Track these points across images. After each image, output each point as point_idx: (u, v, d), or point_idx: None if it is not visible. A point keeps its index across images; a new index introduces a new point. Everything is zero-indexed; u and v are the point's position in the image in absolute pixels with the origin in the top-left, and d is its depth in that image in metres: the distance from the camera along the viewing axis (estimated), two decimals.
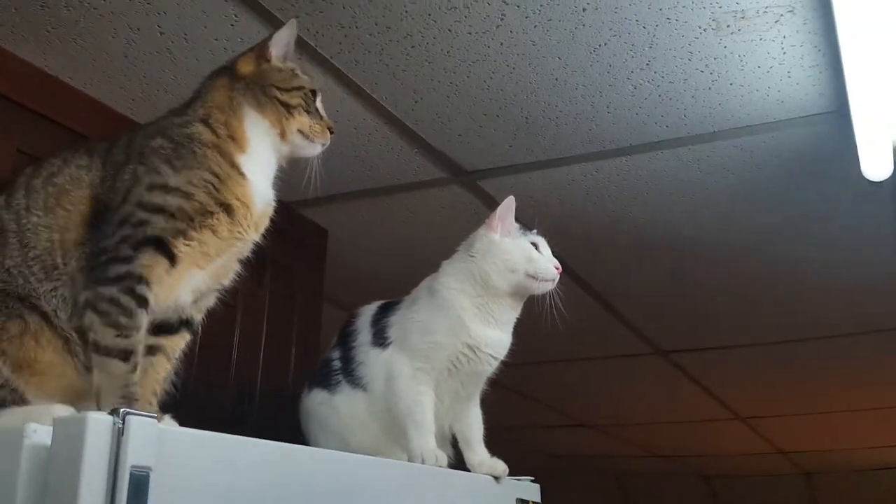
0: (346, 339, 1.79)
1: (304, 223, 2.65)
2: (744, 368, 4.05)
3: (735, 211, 2.51)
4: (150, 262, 1.22)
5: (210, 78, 1.40)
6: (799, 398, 4.65)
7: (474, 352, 1.65)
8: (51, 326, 1.21)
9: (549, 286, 1.69)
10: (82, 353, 1.21)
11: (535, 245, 1.71)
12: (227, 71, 1.39)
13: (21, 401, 1.18)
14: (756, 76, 1.90)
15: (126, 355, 1.20)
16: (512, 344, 1.72)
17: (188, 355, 2.17)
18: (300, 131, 1.39)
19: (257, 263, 2.42)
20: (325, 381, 1.77)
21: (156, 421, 0.95)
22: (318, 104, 1.44)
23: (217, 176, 1.27)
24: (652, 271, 2.94)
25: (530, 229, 1.76)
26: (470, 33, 1.76)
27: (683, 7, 1.67)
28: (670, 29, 1.73)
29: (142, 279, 1.22)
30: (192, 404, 2.20)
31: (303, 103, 1.39)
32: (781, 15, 1.70)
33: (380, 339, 1.71)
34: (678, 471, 6.98)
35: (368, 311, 1.79)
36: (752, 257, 2.82)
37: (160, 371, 1.33)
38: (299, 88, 1.40)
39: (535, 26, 1.73)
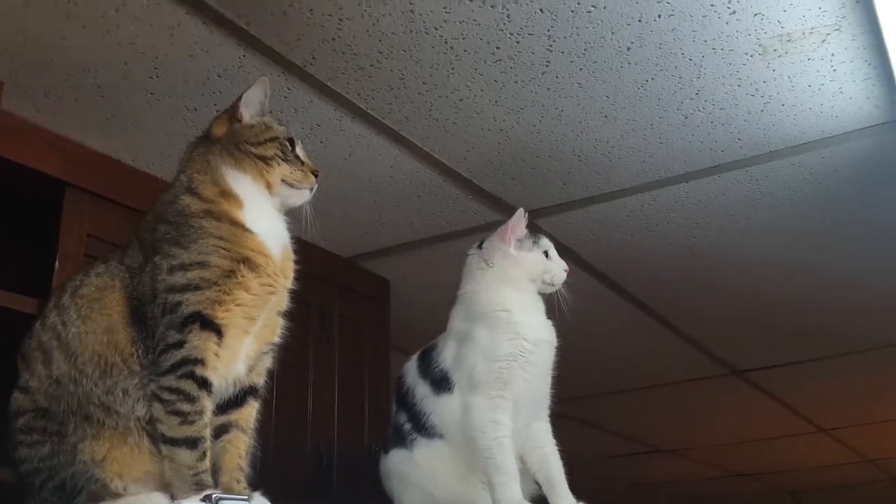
0: (405, 400, 1.80)
1: (365, 275, 2.69)
2: (821, 380, 3.94)
3: (796, 226, 2.47)
4: (200, 341, 1.25)
5: (188, 149, 1.43)
6: (882, 405, 4.50)
7: (535, 344, 1.69)
8: (113, 422, 1.23)
9: (559, 286, 1.80)
10: (148, 441, 1.23)
11: (545, 253, 1.78)
12: (204, 138, 1.41)
13: (108, 492, 1.21)
14: (807, 95, 1.88)
15: (193, 443, 1.22)
16: (562, 342, 1.76)
17: (264, 421, 2.22)
18: (283, 180, 1.39)
19: (324, 318, 2.50)
20: (400, 441, 1.78)
21: (247, 502, 0.96)
22: (299, 151, 1.44)
23: (221, 237, 1.29)
24: (718, 293, 2.90)
25: (537, 235, 1.81)
26: (516, 82, 1.78)
27: (728, 36, 1.67)
28: (716, 58, 1.73)
29: (198, 361, 1.24)
30: (272, 469, 2.23)
31: (279, 153, 1.39)
32: (828, 34, 1.68)
33: (442, 386, 1.72)
34: (763, 489, 6.78)
35: (411, 367, 1.82)
36: (819, 270, 2.76)
37: (240, 446, 1.35)
38: (273, 140, 1.40)
39: (581, 69, 1.74)
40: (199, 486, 1.20)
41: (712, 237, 2.51)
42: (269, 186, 1.38)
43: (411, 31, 1.62)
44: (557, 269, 1.78)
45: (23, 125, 1.87)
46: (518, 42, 1.66)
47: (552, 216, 2.37)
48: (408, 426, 1.76)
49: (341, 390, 2.50)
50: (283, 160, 1.39)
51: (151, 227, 1.35)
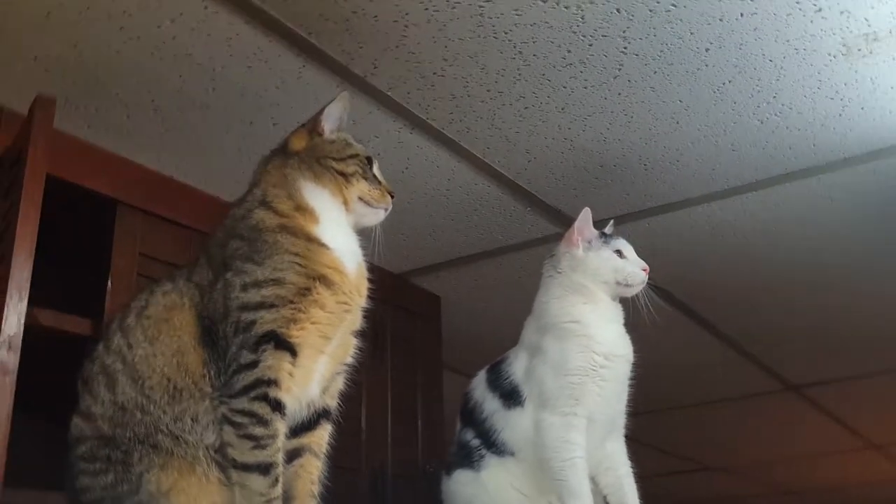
0: (472, 416, 1.73)
1: (416, 292, 2.62)
2: (876, 396, 3.81)
3: (868, 237, 2.37)
4: (274, 361, 1.20)
5: (263, 162, 1.40)
6: None
7: (609, 358, 1.62)
8: (182, 451, 1.18)
9: (640, 288, 1.70)
10: (217, 470, 1.19)
11: (619, 252, 1.69)
12: (280, 151, 1.39)
13: None
14: (889, 98, 1.78)
15: (266, 469, 1.17)
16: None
17: None
18: (360, 198, 1.37)
19: (376, 336, 2.43)
20: (466, 460, 1.70)
21: None
22: (376, 171, 1.42)
23: (297, 254, 1.25)
24: (780, 307, 2.79)
25: (608, 234, 1.73)
26: (586, 87, 1.71)
27: (812, 35, 1.59)
28: (798, 59, 1.65)
29: (271, 382, 1.20)
30: (328, 492, 2.16)
31: (359, 170, 1.38)
32: None
33: (513, 400, 1.65)
34: None
35: (480, 381, 1.75)
36: (884, 282, 2.65)
37: (312, 471, 1.31)
38: (354, 156, 1.38)
39: (655, 72, 1.67)
40: None
41: (778, 248, 2.41)
42: (346, 203, 1.35)
43: (479, 36, 1.56)
44: (632, 268, 1.67)
45: (74, 143, 1.83)
46: (591, 45, 1.58)
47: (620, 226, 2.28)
48: (475, 442, 1.69)
49: (394, 411, 2.43)
50: (362, 177, 1.37)
51: (222, 242, 1.31)
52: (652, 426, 3.98)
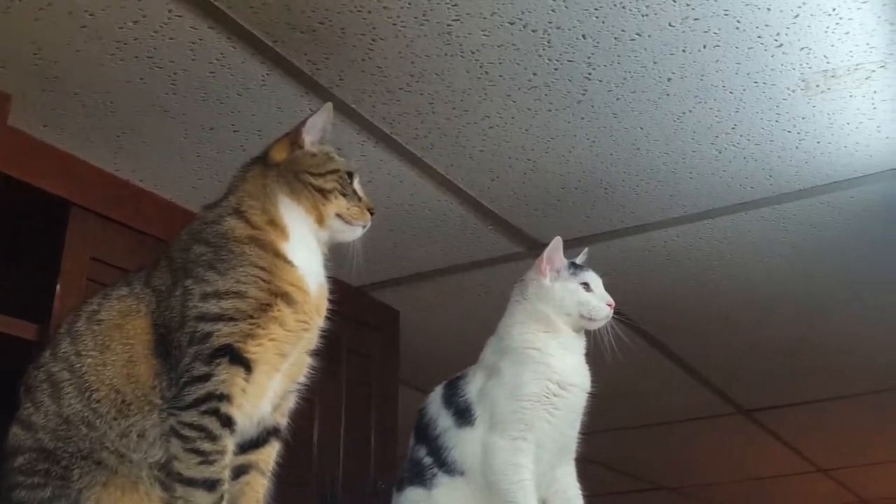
0: (425, 433, 1.71)
1: (375, 305, 2.60)
2: (825, 421, 3.88)
3: (820, 267, 2.41)
4: (228, 376, 1.17)
5: (243, 169, 1.35)
6: (882, 446, 4.45)
7: (563, 388, 1.60)
8: (125, 470, 1.15)
9: (603, 323, 1.68)
10: (160, 489, 1.15)
11: (585, 284, 1.67)
12: (260, 160, 1.34)
13: None
14: (844, 133, 1.82)
15: (211, 485, 1.14)
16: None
17: None
18: (338, 215, 1.32)
19: (331, 349, 2.40)
20: (418, 478, 1.67)
21: None
22: (356, 186, 1.38)
23: (263, 268, 1.22)
24: (733, 331, 2.83)
25: (578, 265, 1.72)
26: (549, 110, 1.72)
27: (772, 70, 1.61)
28: (758, 92, 1.67)
29: (223, 397, 1.16)
30: None
31: (338, 186, 1.33)
32: (873, 71, 1.63)
33: (464, 419, 1.63)
34: None
35: (436, 396, 1.72)
36: (837, 312, 2.71)
37: (258, 489, 1.27)
38: (333, 172, 1.34)
39: (618, 99, 1.68)
40: None
41: (733, 276, 2.45)
42: (320, 220, 1.31)
43: (446, 54, 1.56)
44: (597, 303, 1.66)
45: (29, 142, 1.79)
46: (556, 69, 1.59)
47: (572, 248, 2.29)
48: (428, 460, 1.65)
49: (348, 425, 2.40)
50: (341, 194, 1.33)
51: (185, 246, 1.26)
52: (606, 445, 4.00)
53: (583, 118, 1.74)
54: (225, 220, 1.27)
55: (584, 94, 1.67)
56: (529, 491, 1.57)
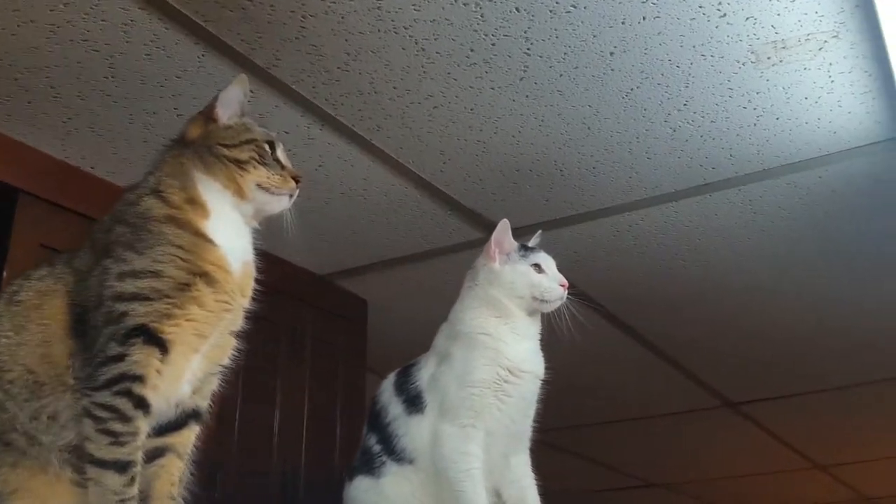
0: (377, 421, 1.69)
1: (342, 295, 2.57)
2: (817, 415, 3.81)
3: (793, 251, 2.36)
4: (143, 356, 1.14)
5: (163, 149, 1.34)
6: (880, 442, 4.37)
7: (515, 374, 1.58)
8: (34, 452, 1.13)
9: (558, 304, 1.65)
10: (70, 471, 1.13)
11: (537, 266, 1.64)
12: (178, 140, 1.32)
13: None
14: (803, 108, 1.77)
15: (122, 467, 1.11)
16: (547, 368, 1.66)
17: (225, 445, 2.11)
18: (259, 185, 1.29)
19: (294, 338, 2.38)
20: (367, 466, 1.65)
21: None
22: (280, 154, 1.34)
23: (181, 247, 1.19)
24: (710, 320, 2.78)
25: (529, 247, 1.69)
26: (493, 88, 1.68)
27: (718, 42, 1.57)
28: (706, 66, 1.63)
29: (137, 378, 1.13)
30: (233, 494, 2.12)
31: (255, 156, 1.29)
32: (825, 41, 1.58)
33: (414, 406, 1.62)
34: None
35: (389, 384, 1.71)
36: (814, 299, 2.65)
37: (174, 472, 1.24)
38: (249, 141, 1.30)
39: (561, 75, 1.64)
40: None
41: (704, 261, 2.40)
42: (240, 193, 1.28)
43: (379, 31, 1.52)
44: (549, 284, 1.63)
45: None
46: (493, 44, 1.55)
47: (532, 235, 2.26)
48: (377, 448, 1.64)
49: (312, 415, 2.37)
50: (259, 163, 1.29)
51: (107, 227, 1.25)
52: (593, 440, 3.96)
53: (527, 96, 1.70)
54: (143, 200, 1.25)
55: (525, 71, 1.63)
56: (477, 479, 1.55)
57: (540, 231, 1.82)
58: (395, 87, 1.67)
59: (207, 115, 1.33)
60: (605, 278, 2.48)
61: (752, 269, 2.44)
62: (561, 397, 3.20)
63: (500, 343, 1.60)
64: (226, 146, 1.29)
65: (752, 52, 1.60)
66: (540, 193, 2.07)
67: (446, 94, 1.69)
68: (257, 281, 1.33)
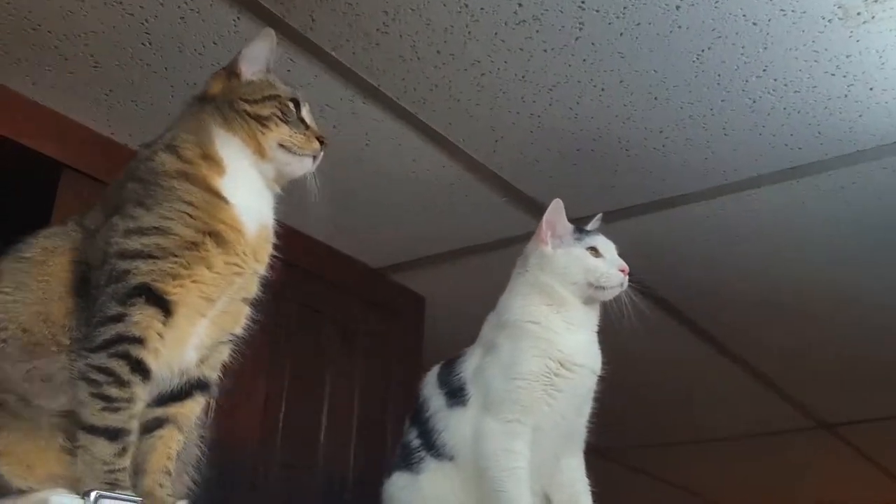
0: (418, 414, 1.59)
1: (398, 290, 2.46)
2: None
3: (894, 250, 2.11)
4: (143, 317, 1.08)
5: (185, 107, 1.28)
6: None
7: (567, 367, 1.46)
8: (27, 414, 1.06)
9: (617, 291, 1.51)
10: (62, 438, 1.06)
11: (593, 249, 1.52)
12: (200, 97, 1.26)
13: (9, 488, 1.03)
14: None
15: (114, 434, 1.05)
16: (604, 363, 1.53)
17: (269, 434, 2.03)
18: (281, 145, 1.22)
19: (345, 331, 2.28)
20: (405, 462, 1.55)
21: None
22: (305, 114, 1.27)
23: (191, 204, 1.13)
24: (802, 330, 2.54)
25: (585, 230, 1.56)
26: (545, 51, 1.53)
27: None
28: (787, 23, 1.44)
29: (136, 340, 1.07)
30: (274, 490, 2.02)
31: (278, 112, 1.22)
32: None
33: (456, 399, 1.51)
34: None
35: (432, 376, 1.61)
36: None
37: (172, 445, 1.16)
38: (272, 98, 1.23)
39: (621, 34, 1.48)
40: (111, 486, 1.02)
41: (789, 260, 2.18)
42: (261, 151, 1.21)
43: None
44: (606, 268, 1.50)
45: (19, 101, 1.74)
46: None
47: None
48: (416, 443, 1.54)
49: (362, 413, 2.26)
50: (281, 121, 1.23)
51: (120, 184, 1.20)
52: (676, 461, 3.72)
53: (584, 59, 1.54)
54: (157, 155, 1.19)
55: (580, 30, 1.47)
56: (521, 480, 1.42)
57: (600, 214, 1.67)
58: (438, 52, 1.55)
59: (230, 69, 1.27)
60: (682, 279, 2.29)
61: (850, 268, 2.20)
62: (642, 414, 3.02)
63: (550, 333, 1.47)
64: (247, 101, 1.23)
65: (840, 7, 1.41)
66: (603, 177, 1.91)
67: (494, 59, 1.56)
68: (276, 248, 1.25)
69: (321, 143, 1.26)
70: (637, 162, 1.84)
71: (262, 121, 1.21)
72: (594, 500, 1.53)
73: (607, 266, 1.50)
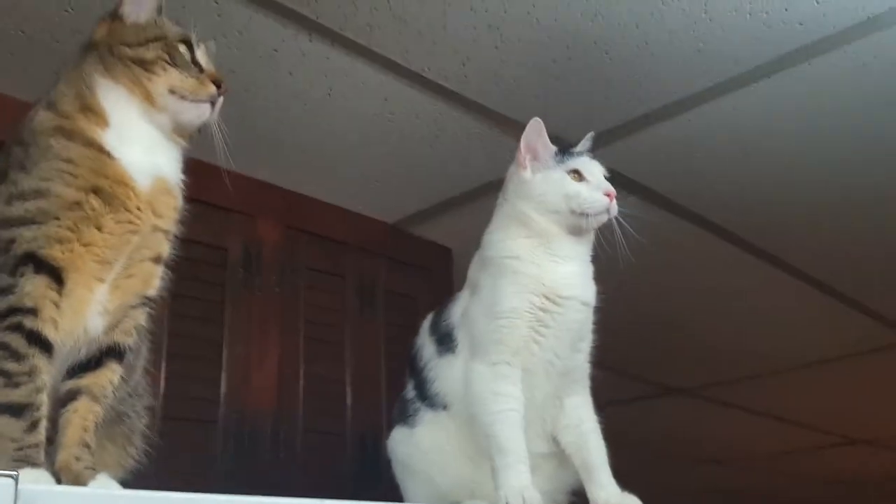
0: (413, 365, 1.52)
1: (418, 243, 2.36)
2: None
3: None
4: (34, 287, 1.03)
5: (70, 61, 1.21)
6: None
7: (554, 301, 1.35)
8: None
9: (604, 217, 1.38)
10: None
11: (575, 172, 1.38)
12: (84, 46, 1.18)
13: None
14: None
15: (18, 410, 1.00)
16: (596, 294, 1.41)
17: (291, 399, 1.98)
18: (171, 91, 1.13)
19: (363, 291, 2.21)
20: (403, 415, 1.49)
21: (13, 481, 0.76)
22: (200, 56, 1.18)
23: (70, 161, 1.06)
24: (863, 233, 2.28)
25: (570, 151, 1.42)
26: None
27: None
28: None
29: (29, 311, 1.02)
30: (302, 454, 1.98)
31: (164, 56, 1.13)
32: None
33: (446, 345, 1.44)
34: None
35: (426, 324, 1.53)
36: None
37: (88, 416, 1.10)
38: (158, 39, 1.14)
39: None
40: (22, 463, 0.98)
41: (833, 148, 1.92)
42: (149, 99, 1.14)
43: None
44: (588, 193, 1.36)
45: None
46: None
47: (612, 143, 1.91)
48: (412, 394, 1.48)
49: (390, 374, 2.18)
50: (169, 65, 1.15)
51: (7, 149, 1.15)
52: (775, 394, 3.49)
53: None
54: (38, 113, 1.13)
55: None
56: (513, 422, 1.33)
57: (591, 134, 1.51)
58: None
59: (113, 13, 1.18)
60: (717, 192, 2.09)
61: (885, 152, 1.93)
62: (727, 346, 2.82)
63: (532, 267, 1.36)
64: (129, 45, 1.15)
65: None
66: (593, 89, 1.73)
67: None
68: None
69: (218, 86, 1.17)
70: (624, 66, 1.66)
71: (146, 65, 1.13)
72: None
73: (590, 190, 1.37)
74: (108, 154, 1.09)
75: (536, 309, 1.34)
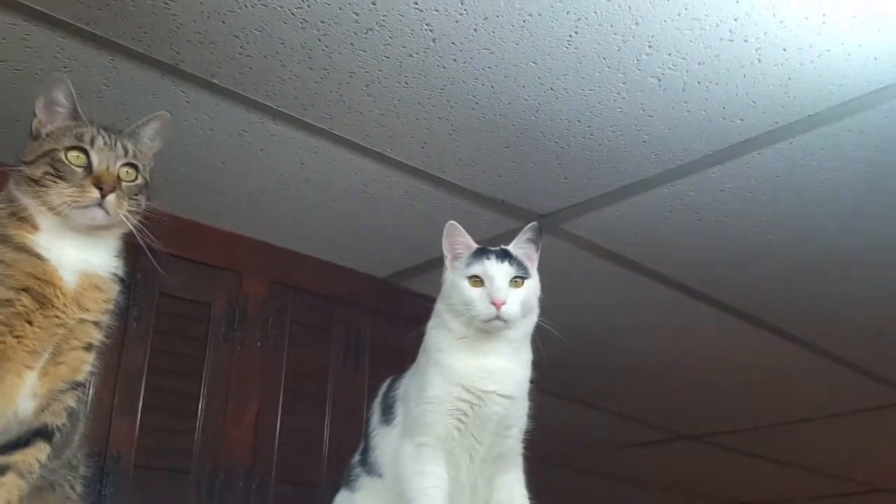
0: (364, 429, 1.60)
1: (407, 296, 2.41)
2: None
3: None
4: None
5: None
6: None
7: (472, 392, 1.39)
8: None
9: (497, 325, 1.37)
10: None
11: (474, 278, 1.38)
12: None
13: None
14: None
15: None
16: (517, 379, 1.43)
17: (265, 453, 2.04)
18: (62, 202, 1.19)
19: (349, 343, 2.27)
20: (347, 478, 1.57)
21: None
22: (94, 154, 1.22)
23: (2, 262, 1.16)
24: (855, 299, 2.25)
25: (487, 250, 1.42)
26: (410, 55, 1.45)
27: None
28: None
29: None
30: None
31: (50, 170, 1.20)
32: None
33: (387, 417, 1.52)
34: None
35: (382, 388, 1.60)
36: None
37: (13, 492, 1.20)
38: (45, 154, 1.21)
39: (475, 30, 1.37)
40: None
41: (819, 219, 1.93)
42: (52, 209, 1.20)
43: (245, 5, 1.37)
44: (479, 301, 1.37)
45: None
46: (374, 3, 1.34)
47: (578, 218, 1.95)
48: (357, 458, 1.56)
49: None
50: (56, 177, 1.20)
51: None
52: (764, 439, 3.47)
53: (453, 59, 1.44)
54: None
55: (431, 31, 1.38)
56: (435, 500, 1.39)
57: (534, 224, 1.48)
58: (310, 68, 1.51)
59: (30, 129, 1.27)
60: (685, 258, 2.10)
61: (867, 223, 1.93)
62: (723, 403, 2.80)
63: (454, 361, 1.41)
64: (27, 164, 1.23)
65: None
66: (549, 171, 1.79)
67: (366, 67, 1.49)
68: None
69: (100, 188, 1.20)
70: (575, 151, 1.71)
71: (38, 182, 1.20)
72: None
73: (482, 298, 1.37)
74: (39, 256, 1.19)
75: (456, 399, 1.39)
